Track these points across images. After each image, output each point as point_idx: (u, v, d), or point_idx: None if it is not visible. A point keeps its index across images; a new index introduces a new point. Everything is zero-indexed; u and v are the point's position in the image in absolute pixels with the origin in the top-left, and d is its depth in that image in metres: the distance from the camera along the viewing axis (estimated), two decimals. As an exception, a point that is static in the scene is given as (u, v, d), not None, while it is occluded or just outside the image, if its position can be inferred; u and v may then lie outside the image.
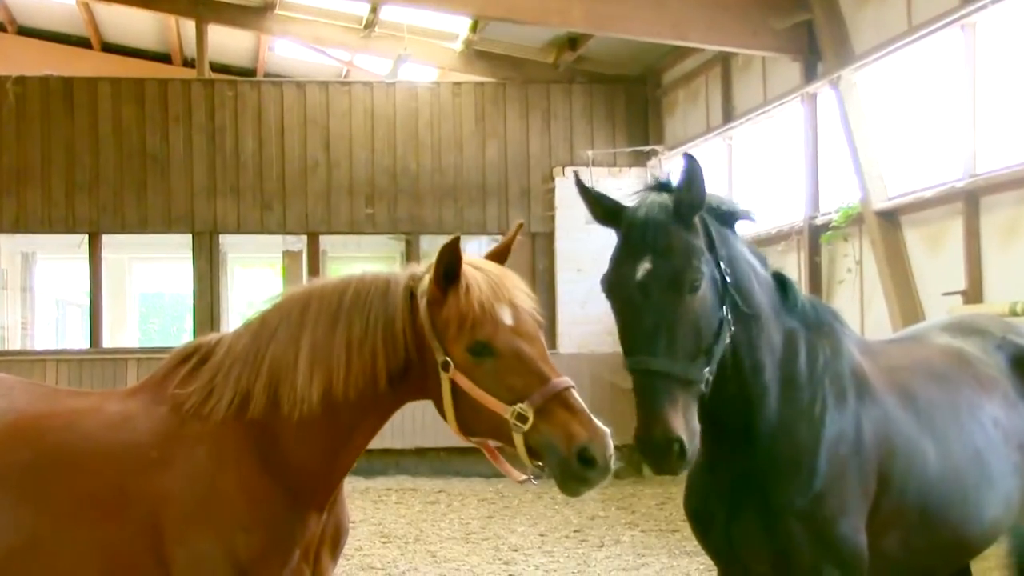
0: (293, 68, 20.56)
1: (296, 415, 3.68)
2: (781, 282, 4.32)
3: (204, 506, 3.66)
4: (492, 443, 3.73)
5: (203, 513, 3.66)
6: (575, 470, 3.40)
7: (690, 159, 3.89)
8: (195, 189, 17.24)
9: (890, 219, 11.48)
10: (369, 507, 13.53)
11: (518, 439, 3.46)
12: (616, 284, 3.85)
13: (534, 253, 17.68)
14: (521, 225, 3.92)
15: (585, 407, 3.48)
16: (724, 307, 3.89)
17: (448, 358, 3.57)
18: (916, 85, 11.57)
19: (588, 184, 4.12)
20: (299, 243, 18.63)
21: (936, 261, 10.90)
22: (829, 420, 4.18)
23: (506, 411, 3.46)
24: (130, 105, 17.21)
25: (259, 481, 3.69)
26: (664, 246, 3.80)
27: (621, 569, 9.83)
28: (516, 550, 10.75)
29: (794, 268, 13.26)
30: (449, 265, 3.59)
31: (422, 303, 3.64)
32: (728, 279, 3.93)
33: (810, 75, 13.07)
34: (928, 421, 4.43)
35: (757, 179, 14.93)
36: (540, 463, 3.50)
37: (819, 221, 12.89)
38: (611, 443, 3.43)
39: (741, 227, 4.31)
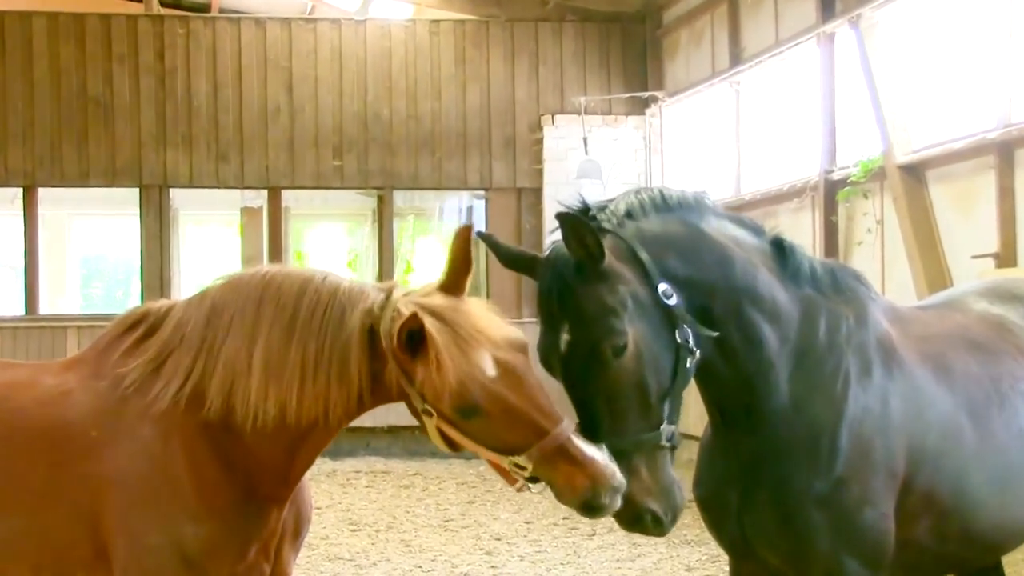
0: (252, 3, 20.40)
1: (249, 425, 3.66)
2: (779, 248, 4.28)
3: (149, 492, 3.63)
4: None
5: (148, 500, 3.63)
6: (584, 513, 3.60)
7: (561, 218, 3.81)
8: (142, 138, 17.13)
9: (915, 174, 11.46)
10: (336, 491, 13.53)
11: (519, 482, 3.61)
12: (545, 357, 3.91)
13: (520, 210, 17.65)
14: (468, 228, 3.75)
15: (586, 451, 3.54)
16: (677, 333, 3.89)
17: (430, 408, 3.58)
18: (944, 24, 11.53)
19: (492, 237, 4.17)
20: (259, 199, 18.54)
21: (966, 220, 10.90)
22: (852, 396, 4.17)
23: (503, 461, 3.56)
24: (68, 43, 17.05)
25: (211, 467, 3.68)
26: (575, 314, 3.82)
27: (615, 560, 9.84)
28: (499, 539, 10.77)
29: (808, 228, 13.26)
30: (411, 333, 3.51)
31: (387, 345, 3.57)
32: (673, 301, 3.89)
33: (827, 13, 13.00)
34: (965, 396, 4.42)
35: (767, 129, 14.90)
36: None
37: (836, 176, 12.86)
38: (618, 477, 3.55)
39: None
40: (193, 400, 3.71)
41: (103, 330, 4.03)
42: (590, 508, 3.54)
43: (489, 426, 3.53)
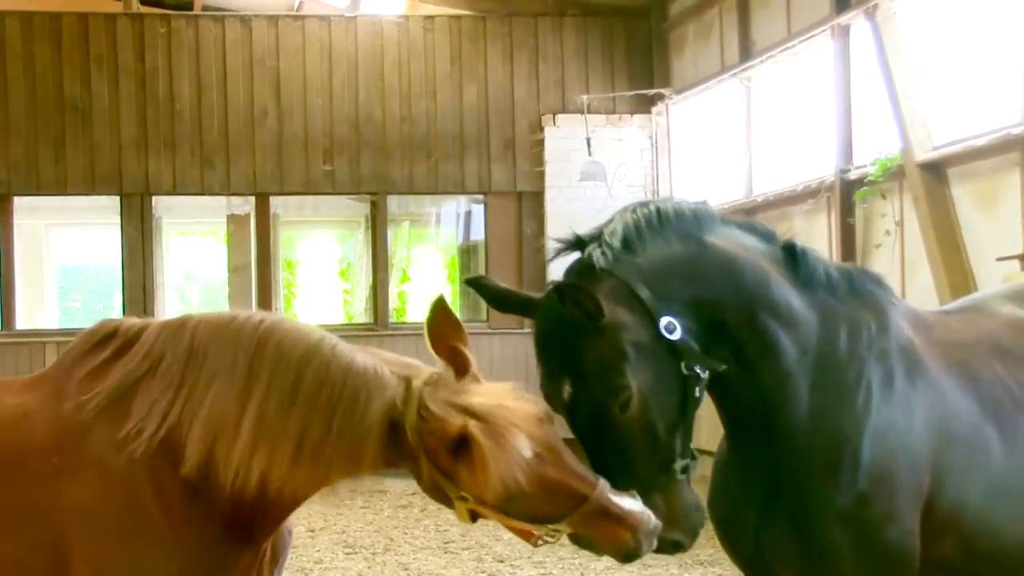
0: (236, 0, 20.41)
1: (228, 487, 3.59)
2: (791, 254, 4.29)
3: (115, 524, 3.59)
4: None
5: (114, 532, 3.59)
6: (623, 561, 3.77)
7: (559, 290, 3.89)
8: (123, 143, 17.13)
9: (935, 172, 11.45)
10: (330, 512, 13.49)
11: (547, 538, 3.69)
12: (549, 402, 3.97)
13: (521, 215, 17.66)
14: (442, 299, 3.86)
15: (623, 503, 3.65)
16: (683, 365, 3.97)
17: (467, 496, 3.60)
18: (965, 14, 11.52)
19: (480, 281, 4.26)
20: (246, 206, 18.55)
21: (989, 221, 10.89)
22: (874, 407, 4.16)
23: (539, 530, 3.65)
24: (44, 44, 17.07)
25: (182, 499, 3.62)
26: (575, 371, 3.94)
27: (624, 582, 9.83)
28: (502, 561, 10.75)
29: (823, 231, 13.25)
30: (454, 444, 3.54)
31: (417, 444, 3.57)
32: (676, 336, 3.96)
33: (841, 4, 13.01)
34: (993, 405, 4.40)
35: (780, 127, 14.90)
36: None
37: (852, 175, 12.86)
38: (653, 520, 3.68)
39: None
40: (167, 447, 3.63)
41: (68, 346, 3.96)
42: (630, 557, 3.70)
43: (529, 504, 3.60)
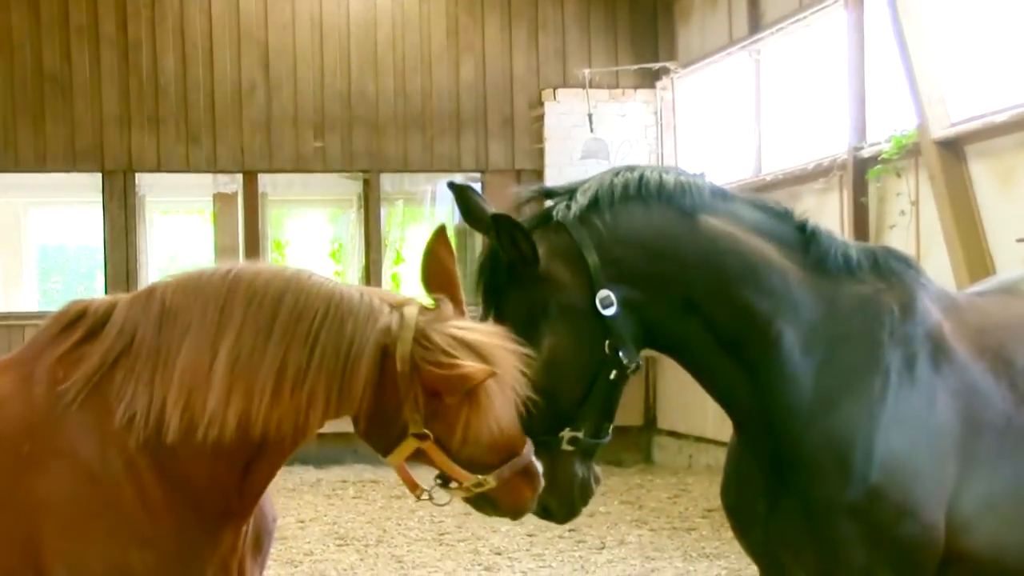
0: (223, -31, 20.36)
1: (201, 438, 3.56)
2: (802, 233, 4.29)
3: (89, 515, 3.58)
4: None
5: (88, 524, 3.58)
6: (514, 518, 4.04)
7: (494, 220, 4.04)
8: (104, 119, 17.10)
9: (953, 150, 11.43)
10: (321, 503, 13.53)
11: (466, 496, 3.82)
12: None
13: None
14: (443, 229, 3.97)
15: (539, 465, 3.80)
16: (606, 344, 4.04)
17: (428, 432, 3.62)
18: (985, -14, 11.50)
19: (470, 192, 4.40)
20: (233, 184, 18.54)
21: (1009, 200, 10.87)
22: (891, 394, 4.13)
23: (468, 480, 3.71)
24: (21, 13, 17.02)
25: (157, 486, 3.61)
26: (498, 313, 4.05)
27: (626, 575, 9.84)
28: (499, 553, 10.77)
29: (835, 210, 13.24)
30: (463, 385, 3.55)
31: (402, 371, 3.54)
32: (611, 311, 4.03)
33: (855, -26, 12.97)
34: None
35: (791, 103, 14.88)
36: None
37: (866, 153, 12.83)
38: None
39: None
40: (154, 423, 3.62)
41: (37, 330, 3.93)
42: (519, 516, 3.95)
43: (478, 452, 3.67)
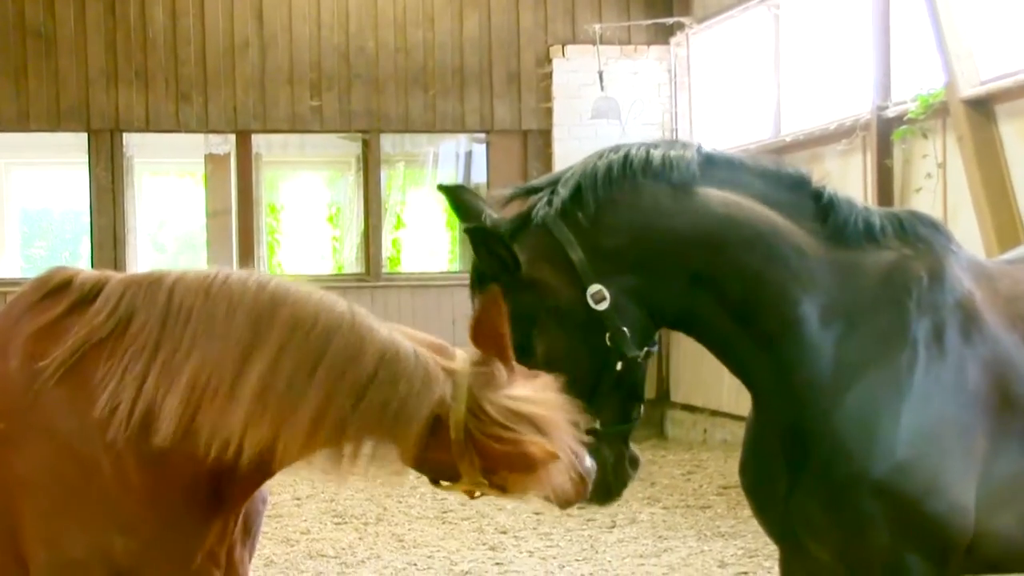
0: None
1: (204, 452, 3.50)
2: (818, 203, 4.28)
3: (70, 497, 3.56)
4: None
5: (69, 506, 3.56)
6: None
7: (469, 234, 4.12)
8: (90, 75, 17.06)
9: (982, 109, 11.40)
10: (319, 479, 13.51)
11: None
12: None
13: (526, 156, 17.61)
14: (496, 290, 3.85)
15: (587, 463, 3.81)
16: (607, 336, 4.10)
17: (484, 481, 3.64)
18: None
19: (461, 192, 4.44)
20: (225, 144, 18.49)
21: (1040, 163, 10.86)
22: (919, 366, 4.13)
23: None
24: (4, -34, 16.97)
25: (142, 471, 3.58)
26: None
27: (638, 556, 9.87)
28: (505, 532, 10.80)
29: (858, 173, 13.23)
30: (522, 462, 3.56)
31: (457, 438, 3.52)
32: (604, 305, 4.08)
33: (881, -76, 12.92)
34: None
35: (812, 60, 14.84)
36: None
37: (890, 113, 12.81)
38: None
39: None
40: (135, 421, 3.57)
41: (15, 296, 3.88)
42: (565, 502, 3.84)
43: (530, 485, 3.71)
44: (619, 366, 4.11)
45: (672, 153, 4.21)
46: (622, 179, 4.15)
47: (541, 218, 4.12)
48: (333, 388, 3.47)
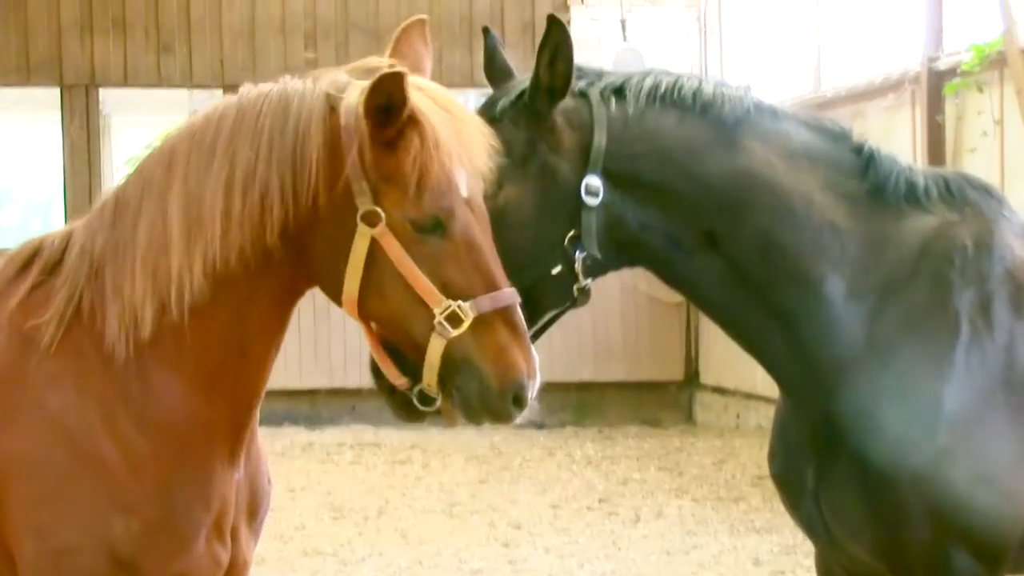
0: None
1: (177, 310, 3.60)
2: (858, 156, 4.30)
3: (63, 479, 3.60)
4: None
5: (62, 489, 3.60)
6: (499, 407, 3.64)
7: (553, 23, 4.21)
8: (63, 24, 17.09)
9: (1044, 61, 11.38)
10: (314, 469, 13.57)
11: (435, 345, 3.57)
12: None
13: (541, 113, 17.59)
14: (423, 21, 4.03)
15: (527, 331, 3.70)
16: (567, 236, 4.10)
17: (378, 210, 3.56)
18: None
19: (496, 39, 4.60)
20: (211, 100, 18.48)
21: (1108, 120, 10.84)
22: (962, 342, 4.14)
23: (438, 304, 3.56)
24: (-32, -95, 16.99)
25: (136, 435, 3.63)
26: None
27: (664, 552, 9.90)
28: (519, 527, 10.83)
29: (906, 131, 13.19)
30: (392, 97, 3.54)
31: (347, 123, 3.58)
32: (594, 201, 4.08)
33: None
34: None
35: (856, 7, 14.82)
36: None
37: (942, 65, 12.78)
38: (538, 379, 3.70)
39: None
40: (126, 331, 3.67)
41: None
42: (516, 401, 3.62)
43: (441, 256, 3.60)
44: (556, 270, 4.10)
45: (724, 90, 4.26)
46: (669, 99, 4.20)
47: (587, 87, 4.19)
48: (234, 152, 3.64)
